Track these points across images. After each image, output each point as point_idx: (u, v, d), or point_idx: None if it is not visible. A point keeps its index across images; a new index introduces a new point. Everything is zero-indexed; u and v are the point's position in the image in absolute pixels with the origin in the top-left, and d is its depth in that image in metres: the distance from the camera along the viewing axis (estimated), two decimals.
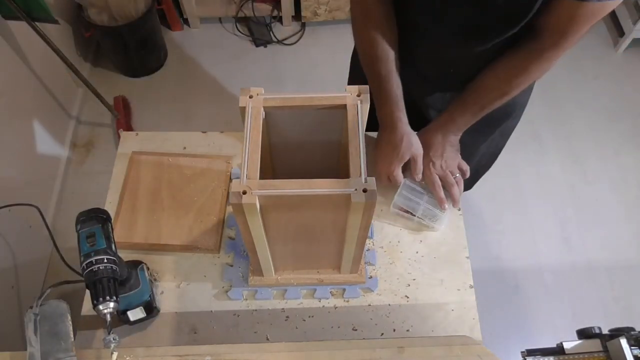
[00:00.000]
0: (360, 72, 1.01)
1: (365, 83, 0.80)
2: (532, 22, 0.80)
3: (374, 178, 0.63)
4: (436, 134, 0.98)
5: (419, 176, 0.95)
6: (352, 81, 1.28)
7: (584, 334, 0.68)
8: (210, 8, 2.50)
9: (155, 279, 0.93)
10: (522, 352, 0.68)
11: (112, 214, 0.95)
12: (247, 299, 0.92)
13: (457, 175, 0.99)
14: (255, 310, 0.91)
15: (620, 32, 2.52)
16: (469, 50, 0.90)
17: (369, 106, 0.70)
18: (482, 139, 1.17)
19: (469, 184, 1.38)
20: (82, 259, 0.73)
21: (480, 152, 1.23)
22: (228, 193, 1.01)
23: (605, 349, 0.65)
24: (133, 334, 0.88)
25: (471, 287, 0.94)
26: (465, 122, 0.97)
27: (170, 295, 0.92)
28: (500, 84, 0.90)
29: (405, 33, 0.95)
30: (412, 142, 0.93)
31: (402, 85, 0.95)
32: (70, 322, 0.73)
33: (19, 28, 1.73)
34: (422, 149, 0.95)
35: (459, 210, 1.01)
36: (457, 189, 0.97)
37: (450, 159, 0.99)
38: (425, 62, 1.02)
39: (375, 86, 0.94)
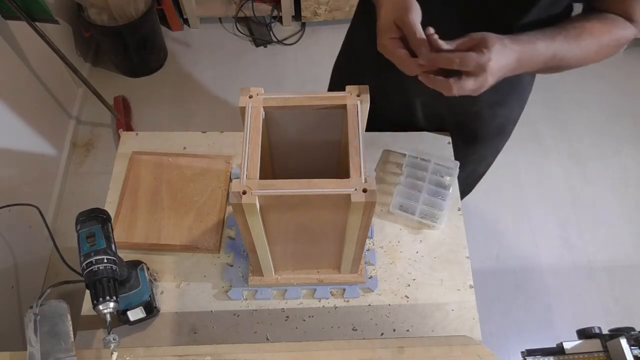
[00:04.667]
0: (342, 74, 0.96)
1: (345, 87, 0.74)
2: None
3: (374, 178, 0.62)
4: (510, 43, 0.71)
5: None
6: (333, 85, 1.25)
7: (584, 334, 0.68)
8: (210, 8, 2.50)
9: (155, 279, 0.93)
10: (522, 352, 0.68)
11: (112, 214, 0.95)
12: (247, 299, 0.92)
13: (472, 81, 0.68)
14: (255, 310, 0.91)
15: None
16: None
17: (369, 106, 0.70)
18: (471, 154, 1.14)
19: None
20: (82, 259, 0.73)
21: (469, 169, 1.19)
22: (228, 193, 1.02)
23: (605, 349, 0.65)
24: (133, 334, 0.88)
25: (471, 287, 0.94)
26: (538, 60, 0.75)
27: (170, 295, 0.92)
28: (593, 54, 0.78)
29: None
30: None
31: (391, 85, 0.88)
32: (70, 322, 0.73)
33: (19, 28, 1.73)
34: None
35: (459, 210, 1.01)
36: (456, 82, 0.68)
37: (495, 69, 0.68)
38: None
39: None
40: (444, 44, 0.68)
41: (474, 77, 0.67)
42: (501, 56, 0.69)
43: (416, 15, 0.69)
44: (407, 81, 0.79)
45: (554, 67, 0.77)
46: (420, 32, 0.68)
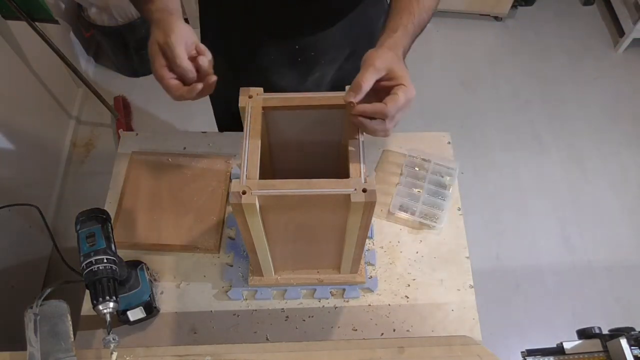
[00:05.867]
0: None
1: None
2: None
3: (374, 178, 0.62)
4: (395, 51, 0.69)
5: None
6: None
7: (584, 334, 0.68)
8: None
9: (155, 279, 0.93)
10: (522, 352, 0.68)
11: (112, 214, 0.95)
12: (247, 299, 0.92)
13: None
14: (255, 310, 0.91)
15: (620, 32, 2.52)
16: None
17: None
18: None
19: None
20: (82, 259, 0.73)
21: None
22: (228, 193, 1.01)
23: (605, 349, 0.65)
24: (133, 334, 0.88)
25: (471, 287, 0.94)
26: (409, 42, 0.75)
27: (170, 295, 0.92)
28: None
29: None
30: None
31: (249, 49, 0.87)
32: (70, 322, 0.73)
33: (19, 28, 1.73)
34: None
35: (459, 210, 1.01)
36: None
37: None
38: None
39: None
40: (210, 67, 0.67)
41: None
42: (403, 65, 0.67)
43: (180, 37, 0.66)
44: (265, 80, 0.79)
45: (418, 34, 0.77)
46: (181, 56, 0.65)
